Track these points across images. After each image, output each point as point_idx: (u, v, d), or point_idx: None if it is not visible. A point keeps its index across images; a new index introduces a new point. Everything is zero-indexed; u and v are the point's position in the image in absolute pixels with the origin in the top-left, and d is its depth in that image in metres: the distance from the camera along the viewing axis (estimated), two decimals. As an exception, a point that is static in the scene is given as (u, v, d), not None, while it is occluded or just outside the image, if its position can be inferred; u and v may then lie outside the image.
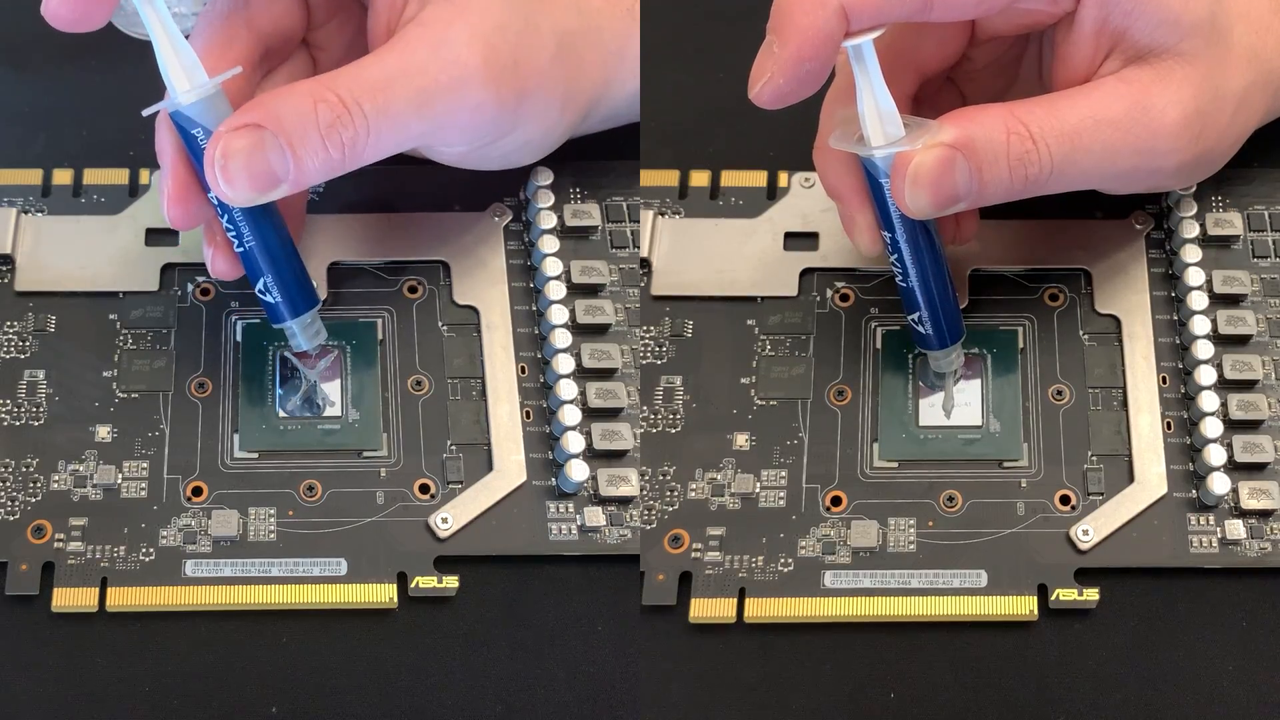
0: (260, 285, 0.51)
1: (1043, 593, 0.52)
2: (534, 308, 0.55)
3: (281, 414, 0.53)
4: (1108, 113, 0.49)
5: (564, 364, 0.54)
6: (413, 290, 0.56)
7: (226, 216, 0.50)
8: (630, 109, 0.56)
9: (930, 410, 0.54)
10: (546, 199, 0.56)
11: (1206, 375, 0.53)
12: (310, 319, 0.52)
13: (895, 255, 0.51)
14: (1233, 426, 0.53)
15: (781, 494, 0.53)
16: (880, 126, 0.49)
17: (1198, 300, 0.54)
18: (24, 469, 0.53)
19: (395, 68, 0.49)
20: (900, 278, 0.52)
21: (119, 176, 0.57)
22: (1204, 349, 0.53)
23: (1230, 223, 0.56)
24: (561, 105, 0.53)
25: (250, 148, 0.47)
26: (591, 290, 0.56)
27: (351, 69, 0.49)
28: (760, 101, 0.49)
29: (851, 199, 0.52)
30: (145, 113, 0.49)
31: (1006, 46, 0.54)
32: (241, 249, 0.51)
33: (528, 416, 0.54)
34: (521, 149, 0.53)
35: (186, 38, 0.49)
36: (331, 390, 0.54)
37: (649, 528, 0.53)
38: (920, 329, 0.53)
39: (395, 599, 0.52)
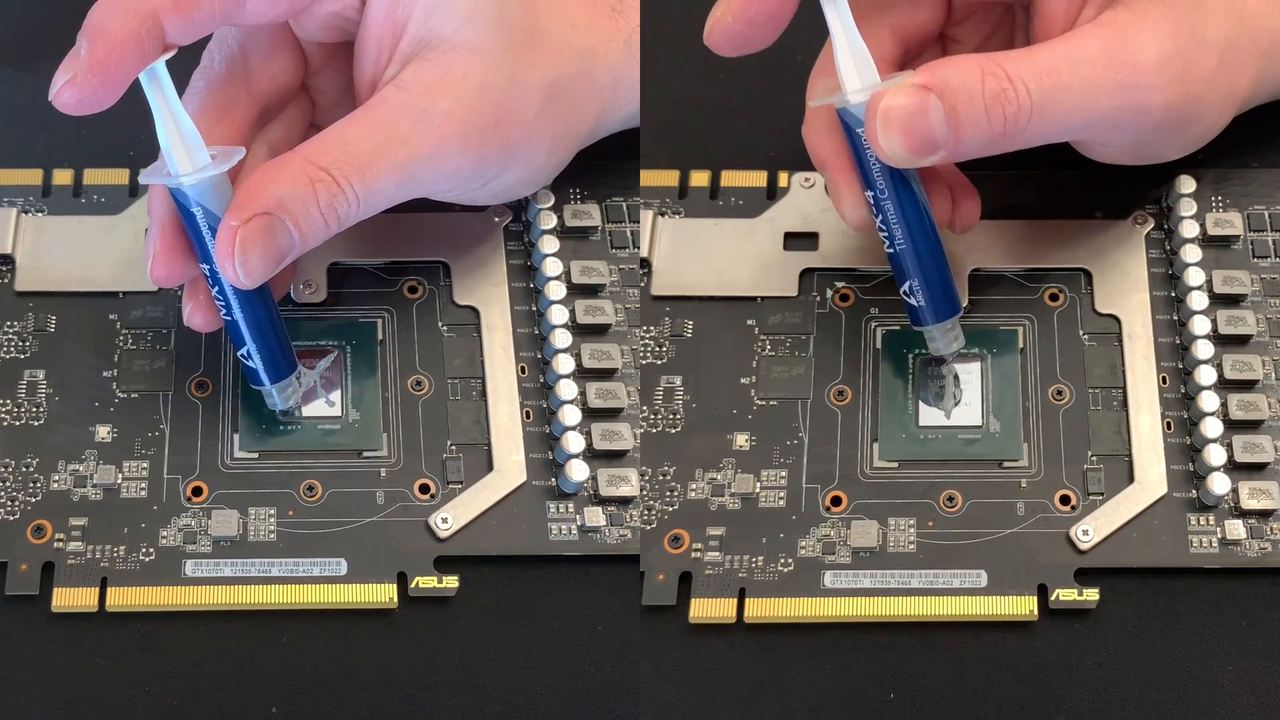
0: (243, 351, 0.51)
1: (1043, 593, 0.52)
2: (534, 308, 0.55)
3: (281, 411, 0.53)
4: (1085, 51, 0.49)
5: (564, 364, 0.54)
6: (413, 290, 0.56)
7: (217, 289, 0.50)
8: (628, 122, 0.56)
9: (930, 410, 0.54)
10: (546, 199, 0.56)
11: (1206, 375, 0.53)
12: (286, 383, 0.52)
13: (880, 217, 0.51)
14: (1233, 426, 0.53)
15: (781, 494, 0.53)
16: (854, 71, 0.49)
17: (1198, 300, 0.54)
18: (24, 469, 0.53)
19: (379, 139, 0.49)
20: (888, 243, 0.52)
21: (119, 176, 0.57)
22: (1204, 349, 0.53)
23: (1230, 223, 0.56)
24: (549, 148, 0.53)
25: (265, 238, 0.48)
26: (591, 290, 0.56)
27: (336, 139, 0.49)
28: (711, 42, 0.49)
29: (835, 164, 0.51)
30: (143, 181, 0.50)
31: (993, 25, 0.54)
32: (229, 318, 0.51)
33: (528, 416, 0.54)
34: (511, 189, 0.54)
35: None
36: (331, 390, 0.54)
37: (649, 528, 0.53)
38: (912, 301, 0.52)
39: (395, 599, 0.52)
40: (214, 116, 0.51)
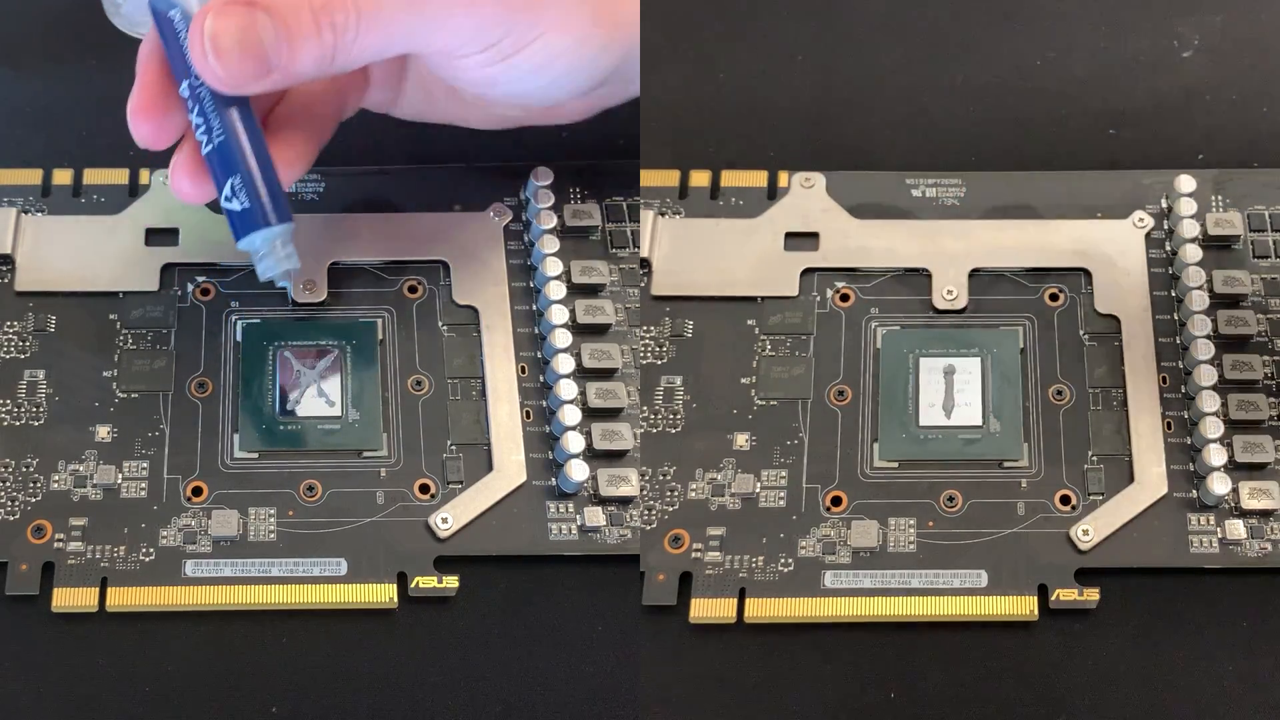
0: (227, 190, 0.48)
1: (1043, 593, 0.52)
2: (534, 308, 0.55)
3: (288, 405, 0.53)
4: None
5: (564, 364, 0.54)
6: (413, 290, 0.56)
7: (196, 108, 0.48)
8: (632, 82, 0.52)
9: (930, 410, 0.54)
10: (546, 199, 0.56)
11: (1206, 375, 0.53)
12: (281, 238, 0.49)
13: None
14: (1233, 426, 0.53)
15: (781, 494, 0.53)
16: None
17: (1198, 300, 0.54)
18: (24, 469, 0.53)
19: None
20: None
21: (119, 176, 0.57)
22: (1204, 349, 0.53)
23: (1230, 223, 0.56)
24: (590, 21, 0.48)
25: (242, 25, 0.45)
26: (591, 290, 0.56)
27: None
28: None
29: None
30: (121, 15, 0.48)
31: None
32: (210, 146, 0.48)
33: (528, 416, 0.54)
34: (543, 69, 0.48)
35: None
36: (332, 390, 0.54)
37: (649, 528, 0.53)
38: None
39: (395, 599, 0.52)
40: None
